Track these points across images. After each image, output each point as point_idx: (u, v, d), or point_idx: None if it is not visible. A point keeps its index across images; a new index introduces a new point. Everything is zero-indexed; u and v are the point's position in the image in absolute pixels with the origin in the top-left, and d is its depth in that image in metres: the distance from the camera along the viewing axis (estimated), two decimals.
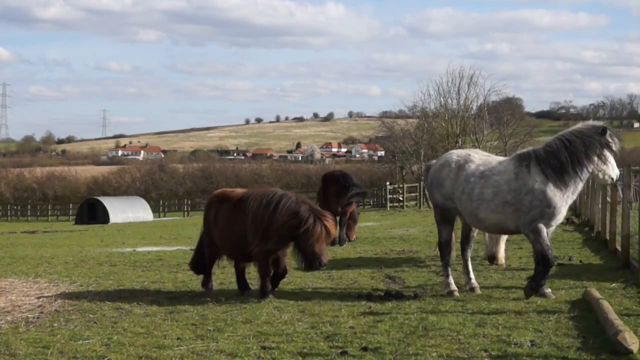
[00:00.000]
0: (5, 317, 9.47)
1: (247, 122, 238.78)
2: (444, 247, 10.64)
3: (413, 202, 46.07)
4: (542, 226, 9.54)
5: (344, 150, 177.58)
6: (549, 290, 9.85)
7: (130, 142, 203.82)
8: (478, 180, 9.95)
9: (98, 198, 53.61)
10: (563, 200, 9.61)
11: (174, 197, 77.45)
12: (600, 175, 9.81)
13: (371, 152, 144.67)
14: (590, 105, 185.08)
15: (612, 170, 9.76)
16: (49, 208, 69.81)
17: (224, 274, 12.79)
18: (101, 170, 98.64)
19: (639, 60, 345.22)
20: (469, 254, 10.80)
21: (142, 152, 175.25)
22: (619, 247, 13.10)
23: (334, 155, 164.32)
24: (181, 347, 7.46)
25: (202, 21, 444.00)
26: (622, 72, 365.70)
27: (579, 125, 10.01)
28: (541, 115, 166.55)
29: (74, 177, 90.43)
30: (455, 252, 11.01)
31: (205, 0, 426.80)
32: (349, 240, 18.94)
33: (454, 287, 10.37)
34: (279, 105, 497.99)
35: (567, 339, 7.35)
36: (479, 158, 10.28)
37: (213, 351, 7.30)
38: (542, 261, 9.59)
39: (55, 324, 8.90)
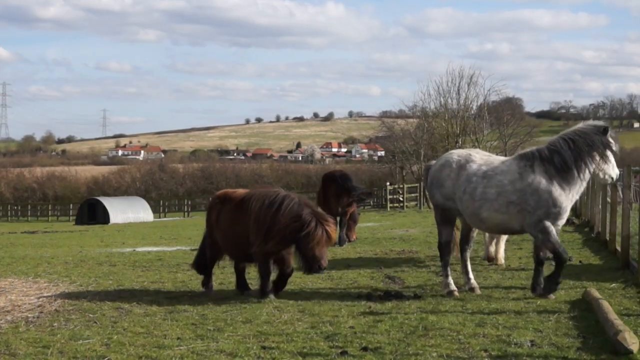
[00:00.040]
0: (5, 316, 9.48)
1: (247, 122, 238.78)
2: (444, 247, 10.64)
3: (413, 203, 46.05)
4: (549, 224, 9.58)
5: (344, 150, 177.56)
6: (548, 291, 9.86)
7: (130, 142, 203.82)
8: (481, 179, 9.94)
9: (98, 198, 53.58)
10: (568, 199, 9.67)
11: (174, 197, 77.44)
12: (601, 175, 9.87)
13: (371, 152, 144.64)
14: (590, 105, 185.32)
15: (613, 169, 9.84)
16: (49, 208, 69.79)
17: (223, 273, 12.80)
18: (101, 170, 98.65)
19: (639, 60, 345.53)
20: (469, 254, 10.80)
21: (142, 152, 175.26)
22: (618, 248, 13.10)
23: (334, 155, 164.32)
24: (181, 347, 7.46)
25: (202, 21, 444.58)
26: (622, 72, 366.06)
27: (581, 125, 10.08)
28: (541, 115, 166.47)
29: (74, 177, 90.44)
30: (457, 252, 11.00)
31: (205, 0, 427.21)
32: (349, 241, 18.93)
33: (453, 287, 10.37)
34: (279, 105, 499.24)
35: (567, 339, 7.35)
36: (480, 158, 10.28)
37: (213, 351, 7.30)
38: (557, 259, 9.71)
39: (55, 324, 8.90)
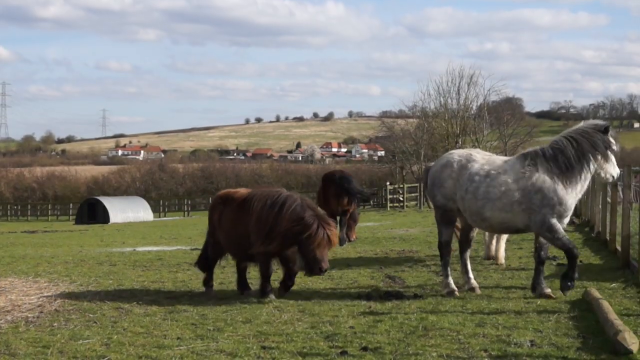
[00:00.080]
0: (5, 316, 9.47)
1: (247, 121, 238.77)
2: (444, 247, 10.63)
3: (413, 202, 46.05)
4: (556, 222, 9.62)
5: (344, 150, 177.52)
6: (549, 290, 9.86)
7: (130, 142, 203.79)
8: (483, 179, 9.94)
9: (98, 198, 53.62)
10: (572, 198, 9.75)
11: (174, 197, 77.45)
12: (603, 174, 9.95)
13: (371, 152, 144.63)
14: (591, 105, 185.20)
15: (614, 168, 9.95)
16: (49, 208, 69.82)
17: (224, 273, 12.80)
18: (101, 170, 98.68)
19: (639, 60, 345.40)
20: (468, 254, 10.80)
21: (142, 151, 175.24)
22: (619, 248, 13.10)
23: (334, 155, 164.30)
24: (181, 347, 7.46)
25: (201, 20, 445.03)
26: (622, 72, 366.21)
27: (582, 124, 10.16)
28: (541, 115, 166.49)
29: (74, 176, 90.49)
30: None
31: (205, 0, 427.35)
32: (349, 241, 18.93)
33: (453, 287, 10.37)
34: (279, 105, 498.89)
35: (567, 339, 7.35)
36: (482, 157, 10.29)
37: (213, 351, 7.30)
38: (568, 255, 9.77)
39: (55, 324, 8.90)
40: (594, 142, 9.70)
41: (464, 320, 8.30)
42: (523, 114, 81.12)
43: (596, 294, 9.04)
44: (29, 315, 9.55)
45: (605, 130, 9.75)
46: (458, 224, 11.17)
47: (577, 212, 24.31)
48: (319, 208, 10.44)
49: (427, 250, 16.49)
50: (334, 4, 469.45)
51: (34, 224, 51.19)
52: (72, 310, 9.86)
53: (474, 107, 55.18)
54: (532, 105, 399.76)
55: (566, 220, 9.88)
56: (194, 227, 33.30)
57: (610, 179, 10.19)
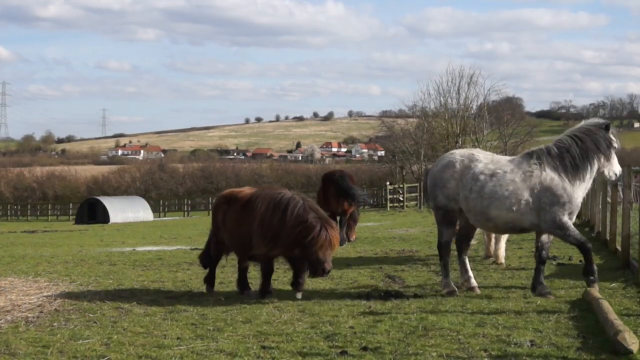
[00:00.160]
0: (5, 316, 9.47)
1: (247, 121, 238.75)
2: (444, 247, 10.60)
3: (413, 202, 46.05)
4: (566, 219, 9.68)
5: (344, 150, 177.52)
6: (548, 290, 9.86)
7: (130, 142, 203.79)
8: (489, 178, 9.93)
9: (98, 198, 53.62)
10: (579, 196, 9.85)
11: (174, 196, 77.50)
12: (606, 172, 10.08)
13: (371, 152, 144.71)
14: (591, 105, 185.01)
15: (616, 166, 10.09)
16: (49, 208, 69.85)
17: (223, 273, 12.80)
18: (101, 170, 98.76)
19: (639, 60, 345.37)
20: (466, 254, 10.79)
21: (142, 151, 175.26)
22: (619, 247, 13.10)
23: (334, 155, 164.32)
24: (181, 347, 7.46)
25: (201, 20, 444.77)
26: (622, 71, 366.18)
27: (583, 123, 10.29)
28: (541, 115, 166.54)
29: (73, 176, 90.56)
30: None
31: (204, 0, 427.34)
32: (349, 241, 18.93)
33: (453, 287, 10.36)
34: (278, 105, 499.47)
35: (567, 339, 7.34)
36: (485, 157, 10.30)
37: (213, 351, 7.30)
38: (582, 250, 9.85)
39: (55, 324, 8.90)
40: (596, 140, 9.83)
41: (464, 320, 8.29)
42: (523, 113, 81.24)
43: (596, 294, 9.04)
44: (29, 315, 9.54)
45: (606, 128, 9.90)
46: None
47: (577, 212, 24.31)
48: (320, 209, 10.40)
49: (427, 250, 16.49)
50: (333, 4, 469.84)
51: (34, 224, 51.20)
52: (72, 310, 9.86)
53: (474, 107, 55.30)
54: (532, 105, 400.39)
55: (573, 218, 9.94)
56: (194, 227, 33.31)
57: (614, 177, 10.30)
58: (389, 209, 44.28)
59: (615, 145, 9.94)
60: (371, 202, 50.31)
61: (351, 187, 18.77)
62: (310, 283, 11.63)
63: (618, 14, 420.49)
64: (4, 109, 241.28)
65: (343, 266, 13.75)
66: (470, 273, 10.64)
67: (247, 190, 11.20)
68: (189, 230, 30.47)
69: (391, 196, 46.48)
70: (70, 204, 66.21)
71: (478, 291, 10.31)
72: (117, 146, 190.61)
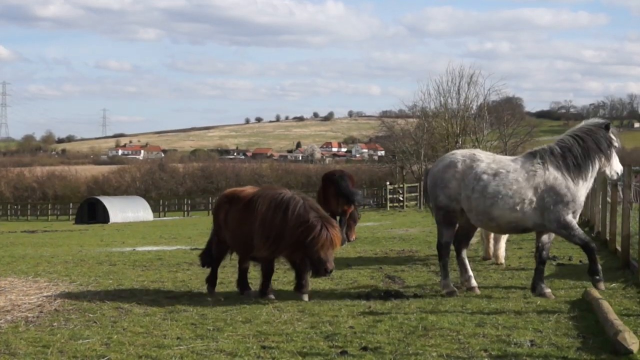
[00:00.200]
0: (5, 316, 9.47)
1: (247, 121, 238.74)
2: (444, 248, 10.59)
3: (413, 202, 46.04)
4: (571, 219, 9.71)
5: (344, 149, 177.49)
6: (548, 290, 9.87)
7: (130, 142, 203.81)
8: (492, 178, 9.93)
9: (98, 197, 53.62)
10: (582, 195, 9.88)
11: (174, 196, 77.51)
12: (608, 171, 10.16)
13: (371, 152, 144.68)
14: (591, 105, 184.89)
15: (617, 165, 10.16)
16: (49, 207, 69.85)
17: (223, 273, 12.79)
18: (101, 170, 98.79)
19: (639, 60, 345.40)
20: (465, 254, 10.79)
21: (142, 151, 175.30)
22: (619, 247, 13.10)
23: (334, 154, 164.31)
24: (181, 347, 7.46)
25: (201, 20, 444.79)
26: (622, 71, 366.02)
27: (583, 123, 10.35)
28: (541, 115, 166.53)
29: (74, 176, 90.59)
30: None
31: None
32: (349, 241, 18.93)
33: (453, 287, 10.36)
34: (279, 105, 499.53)
35: (567, 339, 7.34)
36: (487, 157, 10.30)
37: (213, 351, 7.30)
38: (586, 250, 9.86)
39: (55, 324, 8.90)
40: (597, 139, 9.91)
41: (464, 320, 8.29)
42: (523, 113, 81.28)
43: (596, 294, 9.03)
44: (29, 315, 9.54)
45: (606, 128, 9.97)
46: None
47: None
48: (321, 209, 10.40)
49: (427, 250, 16.49)
50: (333, 3, 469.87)
51: (34, 224, 51.21)
52: (72, 310, 9.86)
53: (474, 107, 55.33)
54: (532, 105, 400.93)
55: (577, 217, 9.95)
56: (194, 227, 33.32)
57: (615, 176, 10.39)
58: (388, 208, 44.28)
59: (616, 144, 10.01)
60: (371, 202, 50.34)
61: (351, 191, 18.79)
62: (310, 283, 11.61)
63: (618, 13, 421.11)
64: (4, 109, 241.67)
65: (343, 266, 13.74)
66: (471, 273, 10.63)
67: (249, 189, 11.19)
68: (189, 230, 30.47)
69: (391, 196, 46.49)
70: (70, 204, 66.24)
71: (478, 291, 10.31)
72: (118, 146, 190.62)
